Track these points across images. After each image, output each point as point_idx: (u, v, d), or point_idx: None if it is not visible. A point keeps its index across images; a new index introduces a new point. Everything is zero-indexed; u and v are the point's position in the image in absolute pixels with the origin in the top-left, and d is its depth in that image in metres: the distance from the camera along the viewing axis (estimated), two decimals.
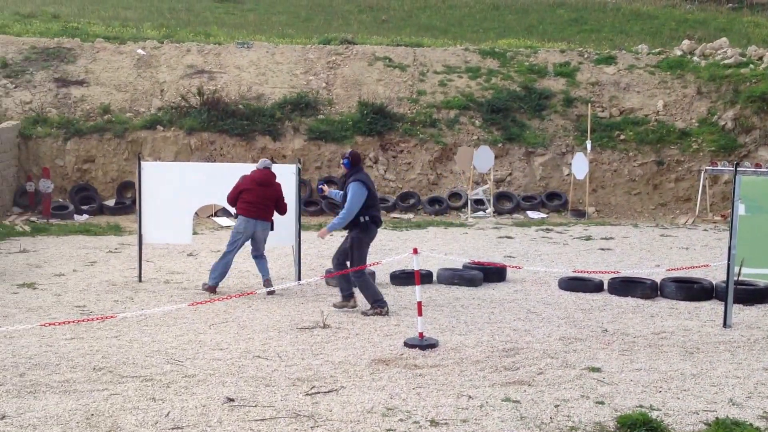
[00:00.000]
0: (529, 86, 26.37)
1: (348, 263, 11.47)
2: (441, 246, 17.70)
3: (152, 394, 7.75)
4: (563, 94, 26.19)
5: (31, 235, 18.79)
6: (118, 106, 24.17)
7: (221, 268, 12.77)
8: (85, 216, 21.80)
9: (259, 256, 12.92)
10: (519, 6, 40.70)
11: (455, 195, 23.87)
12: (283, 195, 12.79)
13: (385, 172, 24.12)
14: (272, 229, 12.83)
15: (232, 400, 7.58)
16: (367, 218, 11.26)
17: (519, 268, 13.98)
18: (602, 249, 17.70)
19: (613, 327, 10.71)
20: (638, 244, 18.47)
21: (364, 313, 11.27)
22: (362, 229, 11.28)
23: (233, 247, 12.78)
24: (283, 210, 12.90)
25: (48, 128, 23.09)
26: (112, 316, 10.29)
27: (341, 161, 11.71)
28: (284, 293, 12.65)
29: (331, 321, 10.73)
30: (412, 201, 23.54)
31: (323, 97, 25.30)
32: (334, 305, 11.68)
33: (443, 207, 23.37)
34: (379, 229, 11.58)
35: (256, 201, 12.56)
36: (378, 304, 11.29)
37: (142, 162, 13.49)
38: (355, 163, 11.52)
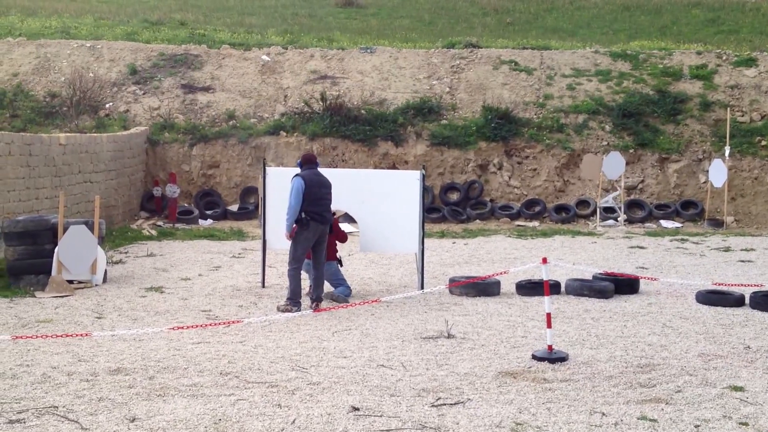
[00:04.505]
0: (662, 89, 25.48)
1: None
2: (568, 255, 17.22)
3: (278, 400, 7.69)
4: (700, 97, 25.22)
5: (157, 239, 19.14)
6: (243, 111, 24.47)
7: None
8: (210, 221, 22.11)
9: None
10: (651, 6, 39.57)
11: (583, 203, 23.28)
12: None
13: (509, 178, 23.72)
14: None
15: (357, 409, 7.45)
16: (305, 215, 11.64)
17: (654, 279, 13.42)
18: (742, 261, 16.89)
19: (756, 344, 10.10)
20: None
21: (278, 308, 11.74)
22: (301, 225, 11.65)
23: None
24: None
25: (175, 134, 23.53)
26: (237, 321, 10.33)
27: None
28: (407, 302, 12.43)
29: (455, 331, 10.47)
30: (537, 208, 23.05)
31: (446, 101, 25.07)
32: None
33: (570, 215, 22.82)
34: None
35: None
36: (291, 303, 11.60)
37: (267, 168, 13.48)
38: (305, 162, 12.02)
